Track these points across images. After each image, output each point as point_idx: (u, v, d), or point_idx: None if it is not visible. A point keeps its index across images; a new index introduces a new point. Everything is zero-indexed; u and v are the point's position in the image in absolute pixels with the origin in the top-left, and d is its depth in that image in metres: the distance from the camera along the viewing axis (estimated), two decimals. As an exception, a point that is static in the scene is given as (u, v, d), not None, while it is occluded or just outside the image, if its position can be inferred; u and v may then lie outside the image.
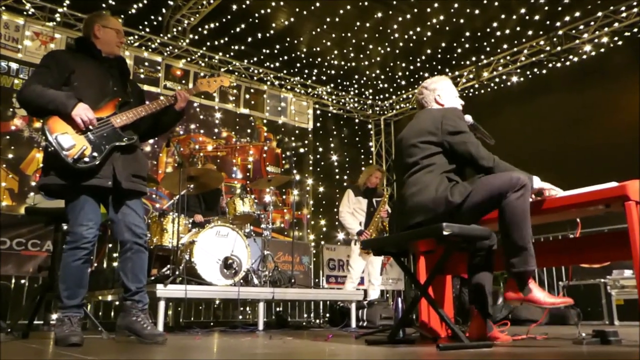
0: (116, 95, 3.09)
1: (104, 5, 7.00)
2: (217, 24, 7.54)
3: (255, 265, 5.65)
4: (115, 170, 2.94)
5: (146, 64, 7.82)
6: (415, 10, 7.26)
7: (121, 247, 3.10)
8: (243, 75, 8.77)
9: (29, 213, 4.88)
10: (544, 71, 8.16)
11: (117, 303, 6.17)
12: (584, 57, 7.68)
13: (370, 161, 10.44)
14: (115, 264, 6.35)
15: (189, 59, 8.19)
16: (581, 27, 7.50)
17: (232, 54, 8.36)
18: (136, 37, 7.63)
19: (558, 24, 7.56)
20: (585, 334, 2.70)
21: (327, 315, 7.18)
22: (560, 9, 7.19)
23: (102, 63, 3.14)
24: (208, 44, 8.07)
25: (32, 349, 2.74)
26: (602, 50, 7.48)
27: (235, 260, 5.08)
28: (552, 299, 2.48)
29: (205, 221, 5.57)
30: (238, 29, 7.64)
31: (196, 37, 7.79)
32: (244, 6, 7.08)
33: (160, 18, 7.44)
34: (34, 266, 6.03)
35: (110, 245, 6.57)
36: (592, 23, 7.39)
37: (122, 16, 7.22)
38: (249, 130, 8.79)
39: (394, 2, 7.11)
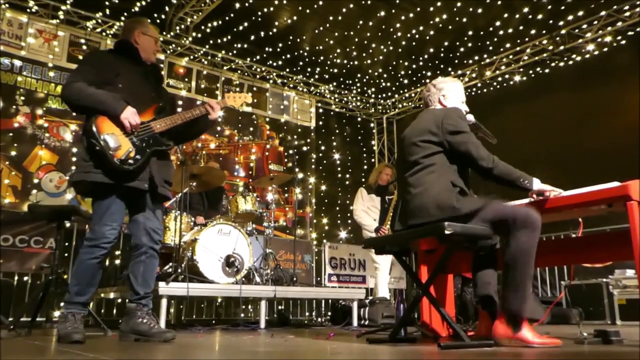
0: (155, 101, 3.16)
1: (107, 2, 7.02)
2: (220, 22, 7.54)
3: (257, 264, 5.66)
4: (152, 174, 3.01)
5: (149, 61, 7.82)
6: (418, 9, 7.24)
7: (135, 250, 3.10)
8: (246, 74, 8.77)
9: (32, 210, 4.89)
10: (547, 70, 8.14)
11: (119, 301, 6.19)
12: (587, 56, 7.66)
13: (373, 160, 10.44)
14: (117, 261, 6.36)
15: (191, 57, 8.19)
16: (584, 26, 7.48)
17: (234, 52, 8.36)
18: (139, 35, 7.63)
19: (561, 23, 7.54)
20: (586, 334, 2.71)
21: (329, 313, 7.19)
22: (563, 8, 7.17)
23: (141, 68, 3.22)
24: (211, 42, 8.07)
25: (34, 346, 2.75)
26: (605, 49, 7.46)
27: (237, 258, 5.09)
28: (540, 339, 2.47)
29: (207, 220, 5.58)
30: (241, 27, 7.64)
31: (199, 35, 7.80)
32: (246, 4, 7.08)
33: (163, 16, 7.45)
34: (36, 263, 6.05)
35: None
36: (596, 22, 7.36)
37: (125, 14, 7.24)
38: (251, 129, 8.80)
39: (397, 1, 7.10)
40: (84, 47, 7.27)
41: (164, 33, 7.64)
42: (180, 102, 7.66)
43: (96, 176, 2.85)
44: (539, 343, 2.46)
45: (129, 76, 3.10)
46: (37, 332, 3.96)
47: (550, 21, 7.48)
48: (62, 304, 2.93)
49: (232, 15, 7.31)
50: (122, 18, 7.35)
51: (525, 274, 2.49)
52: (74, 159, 6.89)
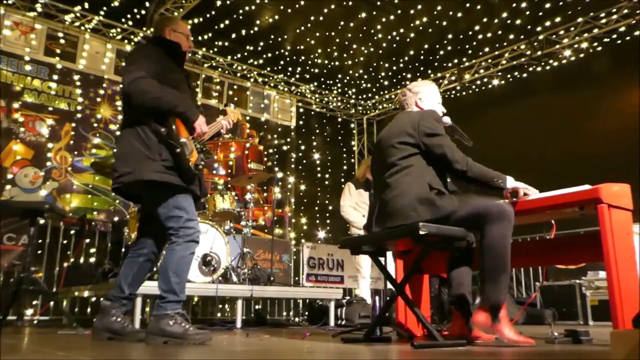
0: (199, 108, 3.07)
1: (86, -4, 6.94)
2: (201, 19, 7.49)
3: (234, 263, 5.63)
4: (201, 182, 2.99)
5: (128, 57, 7.74)
6: (399, 11, 7.29)
7: (136, 248, 3.05)
8: (226, 72, 8.74)
9: (5, 206, 4.80)
10: (525, 75, 8.27)
11: (93, 299, 6.12)
12: (564, 62, 7.79)
13: (353, 160, 10.47)
14: (92, 259, 6.29)
15: (171, 54, 8.11)
16: (561, 32, 7.61)
17: (215, 49, 8.32)
18: (119, 30, 7.55)
19: (539, 28, 7.65)
20: (557, 334, 2.75)
21: (307, 313, 7.19)
22: (541, 14, 7.28)
23: (184, 73, 3.12)
24: (192, 39, 7.99)
25: (5, 345, 2.70)
26: (582, 55, 7.60)
27: (213, 257, 5.07)
28: (516, 336, 2.53)
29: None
30: (222, 25, 7.61)
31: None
32: (228, 2, 7.05)
33: (143, 12, 7.38)
34: (9, 260, 5.94)
35: (88, 240, 6.51)
36: (572, 29, 7.49)
37: (105, 8, 7.16)
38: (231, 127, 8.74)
39: (378, 3, 7.14)
40: (62, 41, 7.17)
41: (144, 28, 7.57)
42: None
43: (169, 177, 2.75)
44: (514, 340, 2.51)
45: (179, 77, 2.99)
46: (7, 331, 3.88)
47: (529, 27, 7.60)
48: (167, 300, 2.75)
49: (213, 12, 7.27)
50: (102, 12, 7.27)
51: (502, 265, 2.54)
52: (49, 154, 6.78)
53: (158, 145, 2.76)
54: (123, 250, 5.44)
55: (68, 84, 7.13)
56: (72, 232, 6.47)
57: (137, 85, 2.71)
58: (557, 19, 7.43)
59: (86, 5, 7.14)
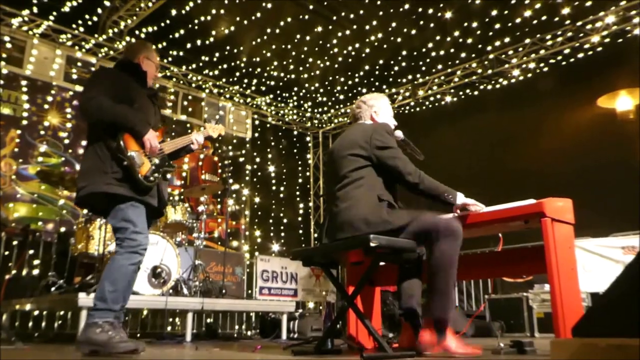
0: (160, 123, 3.18)
1: (35, 0, 6.72)
2: (155, 28, 7.38)
3: (186, 275, 5.53)
4: (160, 194, 3.09)
5: (79, 64, 7.55)
6: (355, 26, 7.40)
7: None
8: (181, 82, 8.63)
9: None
10: (476, 92, 8.51)
11: (35, 313, 5.89)
12: (513, 81, 8.07)
13: (308, 173, 10.49)
14: (35, 271, 6.04)
15: (124, 62, 7.95)
16: (510, 52, 7.89)
17: (170, 59, 8.21)
18: (69, 35, 7.35)
19: (489, 48, 7.90)
20: (503, 345, 2.82)
21: (259, 326, 7.11)
22: (491, 34, 7.52)
23: (146, 91, 3.23)
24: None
25: None
26: (529, 75, 7.90)
27: (164, 269, 4.96)
28: (463, 348, 2.58)
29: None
30: (177, 35, 7.51)
31: (133, 39, 7.60)
32: (183, 12, 6.98)
33: (95, 18, 7.21)
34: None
35: (31, 251, 6.26)
36: (521, 49, 7.78)
37: (54, 13, 6.97)
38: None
39: (334, 18, 7.23)
40: (8, 45, 6.93)
41: (96, 35, 7.41)
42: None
43: (119, 189, 2.86)
44: (461, 353, 2.54)
45: (140, 97, 3.11)
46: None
47: (480, 46, 7.83)
48: (95, 308, 2.75)
49: (167, 22, 7.18)
50: (51, 17, 7.07)
51: (449, 281, 2.58)
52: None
53: (110, 159, 2.88)
54: (69, 261, 5.25)
55: (14, 89, 6.88)
56: (15, 242, 6.20)
57: (89, 104, 2.88)
58: (507, 39, 7.69)
59: (35, 9, 6.92)
